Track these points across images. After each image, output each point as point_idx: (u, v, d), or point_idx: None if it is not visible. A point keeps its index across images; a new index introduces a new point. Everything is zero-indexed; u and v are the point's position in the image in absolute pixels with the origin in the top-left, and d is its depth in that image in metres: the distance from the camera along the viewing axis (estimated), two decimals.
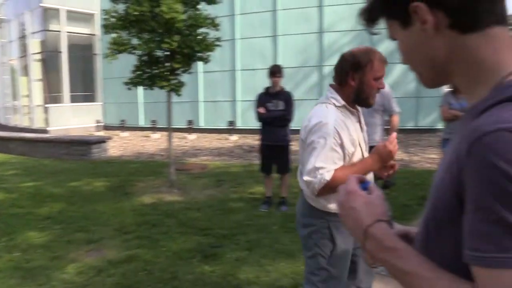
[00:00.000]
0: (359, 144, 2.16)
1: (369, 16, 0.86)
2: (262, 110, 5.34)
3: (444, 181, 0.74)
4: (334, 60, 2.37)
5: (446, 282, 0.71)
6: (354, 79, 2.06)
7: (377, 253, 0.82)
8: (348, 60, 2.06)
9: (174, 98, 6.79)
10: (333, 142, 1.99)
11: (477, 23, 0.74)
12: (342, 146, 2.02)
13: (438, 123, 11.82)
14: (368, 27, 0.87)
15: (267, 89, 5.47)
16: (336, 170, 1.96)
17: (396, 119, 4.96)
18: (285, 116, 5.30)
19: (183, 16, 5.85)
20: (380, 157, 2.03)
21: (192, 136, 14.31)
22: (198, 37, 6.24)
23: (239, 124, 14.82)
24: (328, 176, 1.93)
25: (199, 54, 6.38)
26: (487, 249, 0.63)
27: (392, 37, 0.86)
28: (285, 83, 5.94)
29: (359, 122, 2.23)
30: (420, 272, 0.74)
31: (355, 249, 2.24)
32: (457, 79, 0.80)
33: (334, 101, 2.11)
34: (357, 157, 2.12)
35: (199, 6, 6.38)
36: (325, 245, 2.14)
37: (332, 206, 2.06)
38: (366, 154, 2.20)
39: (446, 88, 5.75)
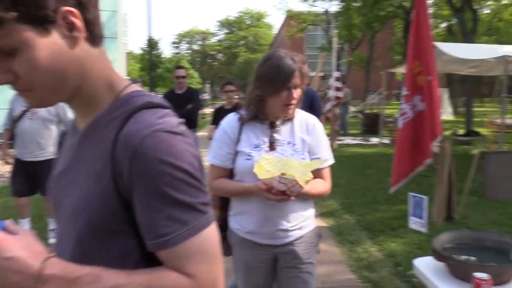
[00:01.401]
0: None
1: None
2: None
3: (96, 192, 0.78)
4: None
5: (145, 278, 0.76)
6: None
7: None
8: None
9: None
10: None
11: (101, 37, 0.83)
12: None
13: None
14: None
15: None
16: None
17: None
18: None
19: None
20: None
21: None
22: None
23: None
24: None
25: None
26: (174, 229, 0.76)
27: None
28: None
29: None
30: (120, 281, 0.75)
31: None
32: (81, 92, 0.82)
33: None
34: None
35: None
36: None
37: None
38: None
39: None
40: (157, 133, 0.77)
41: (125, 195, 0.78)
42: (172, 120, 0.82)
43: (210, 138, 4.81)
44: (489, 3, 30.94)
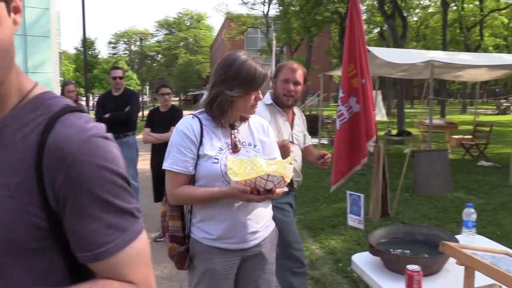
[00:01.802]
0: (277, 136, 2.51)
1: None
2: None
3: (12, 209, 0.70)
4: None
5: None
6: (274, 83, 2.64)
7: None
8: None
9: None
10: None
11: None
12: None
13: None
14: None
15: None
16: None
17: None
18: None
19: None
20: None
21: None
22: None
23: None
24: None
25: None
26: (115, 238, 0.74)
27: None
28: None
29: (289, 121, 2.73)
30: None
31: None
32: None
33: (264, 100, 2.59)
34: None
35: None
36: None
37: None
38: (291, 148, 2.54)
39: None
40: (93, 139, 0.74)
41: (55, 207, 0.72)
42: (98, 124, 0.79)
43: (145, 141, 4.69)
44: (417, 11, 32.92)
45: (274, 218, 2.54)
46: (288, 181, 1.66)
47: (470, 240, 2.07)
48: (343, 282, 3.63)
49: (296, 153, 2.71)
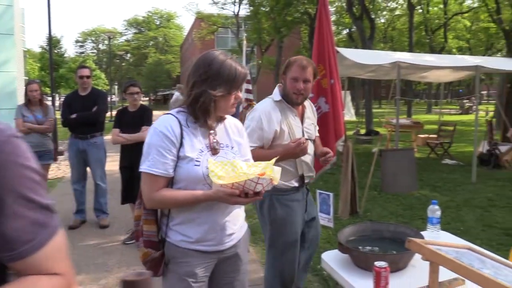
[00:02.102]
0: (289, 134, 2.57)
1: None
2: None
3: None
4: None
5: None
6: (283, 79, 2.64)
7: None
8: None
9: None
10: (255, 125, 2.53)
11: None
12: (262, 129, 2.52)
13: None
14: None
15: None
16: (255, 148, 2.46)
17: None
18: None
19: None
20: (291, 153, 2.49)
21: None
22: None
23: None
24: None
25: None
26: (37, 234, 0.77)
27: None
28: None
29: (299, 116, 2.70)
30: None
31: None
32: None
33: (273, 96, 2.67)
34: (282, 142, 2.56)
35: None
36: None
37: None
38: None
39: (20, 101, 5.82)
40: (12, 138, 0.77)
41: None
42: (7, 124, 0.81)
43: (114, 142, 4.57)
44: (384, 13, 33.63)
45: (277, 215, 2.66)
46: (276, 182, 1.66)
47: (435, 236, 2.13)
48: (314, 280, 3.67)
49: (309, 148, 2.65)
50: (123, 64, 68.87)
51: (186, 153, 1.70)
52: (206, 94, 1.69)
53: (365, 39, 15.60)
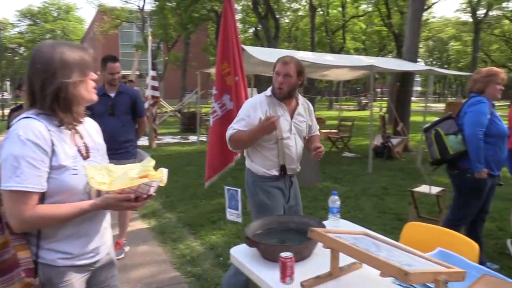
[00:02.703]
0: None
1: None
2: None
3: None
4: None
5: None
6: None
7: None
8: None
9: None
10: (243, 114, 2.77)
11: None
12: (249, 116, 2.75)
13: None
14: None
15: None
16: (237, 131, 2.73)
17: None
18: None
19: None
20: (260, 127, 2.63)
21: None
22: None
23: None
24: (230, 133, 2.76)
25: None
26: None
27: None
28: None
29: (290, 111, 2.84)
30: None
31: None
32: None
33: (265, 92, 2.85)
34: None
35: None
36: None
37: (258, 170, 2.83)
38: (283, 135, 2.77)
39: None
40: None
41: None
42: None
43: None
44: (288, 13, 34.87)
45: (259, 200, 2.83)
46: (163, 184, 1.61)
47: (335, 224, 2.26)
48: (224, 276, 3.69)
49: (294, 142, 2.83)
50: (15, 58, 63.00)
51: (61, 161, 1.50)
52: (64, 86, 1.51)
53: (270, 38, 16.03)
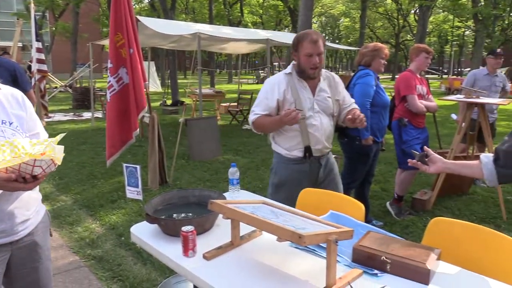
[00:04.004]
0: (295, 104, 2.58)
1: None
2: None
3: None
4: None
5: None
6: (295, 56, 2.65)
7: None
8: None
9: None
10: (262, 96, 2.65)
11: None
12: (267, 99, 2.62)
13: None
14: None
15: None
16: (261, 115, 2.62)
17: None
18: None
19: None
20: (279, 121, 2.50)
21: None
22: None
23: None
24: (253, 118, 2.65)
25: None
26: None
27: None
28: None
29: (312, 88, 2.65)
30: None
31: None
32: None
33: (285, 70, 2.70)
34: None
35: None
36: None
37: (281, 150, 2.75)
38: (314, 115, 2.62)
39: None
40: None
41: None
42: None
43: None
44: None
45: (272, 181, 2.85)
46: (59, 163, 1.45)
47: (236, 195, 2.32)
48: (127, 255, 3.61)
49: (319, 121, 2.64)
50: None
51: None
52: None
53: (167, 9, 15.49)
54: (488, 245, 1.82)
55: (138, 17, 7.44)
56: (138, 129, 4.54)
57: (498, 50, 5.35)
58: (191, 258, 1.68)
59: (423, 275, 1.50)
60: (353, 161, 3.90)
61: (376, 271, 1.57)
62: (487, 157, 1.70)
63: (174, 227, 1.82)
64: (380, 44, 3.86)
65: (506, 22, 21.00)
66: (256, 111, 2.65)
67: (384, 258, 1.57)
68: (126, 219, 4.39)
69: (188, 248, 1.68)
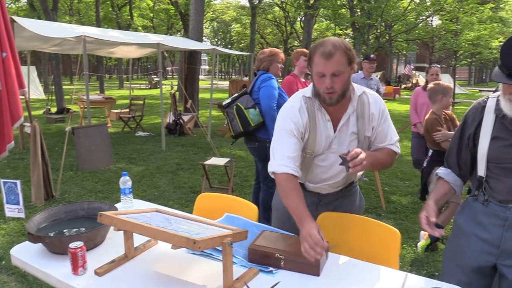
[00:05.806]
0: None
1: None
2: None
3: None
4: None
5: None
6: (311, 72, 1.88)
7: None
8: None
9: None
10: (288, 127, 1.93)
11: None
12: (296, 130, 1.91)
13: None
14: None
15: None
16: (291, 172, 1.88)
17: None
18: None
19: None
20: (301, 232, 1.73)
21: None
22: None
23: None
24: (278, 169, 1.94)
25: None
26: None
27: None
28: None
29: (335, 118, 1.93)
30: None
31: None
32: None
33: (304, 90, 1.98)
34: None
35: None
36: None
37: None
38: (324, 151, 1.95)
39: None
40: None
41: None
42: None
43: None
44: None
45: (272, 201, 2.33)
46: None
47: (129, 205, 2.24)
48: (10, 280, 3.28)
49: (328, 161, 1.98)
50: None
51: None
52: None
53: (48, 9, 14.37)
54: (369, 233, 2.02)
55: (14, 17, 6.81)
56: (13, 142, 4.13)
57: (372, 55, 5.94)
58: (81, 275, 1.59)
59: (314, 268, 1.60)
60: (267, 163, 4.00)
61: (271, 269, 1.65)
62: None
63: (61, 245, 1.71)
64: (276, 49, 4.03)
65: (379, 30, 23.25)
66: (286, 164, 1.90)
67: (278, 255, 1.65)
68: (7, 240, 3.97)
69: (77, 266, 1.59)
